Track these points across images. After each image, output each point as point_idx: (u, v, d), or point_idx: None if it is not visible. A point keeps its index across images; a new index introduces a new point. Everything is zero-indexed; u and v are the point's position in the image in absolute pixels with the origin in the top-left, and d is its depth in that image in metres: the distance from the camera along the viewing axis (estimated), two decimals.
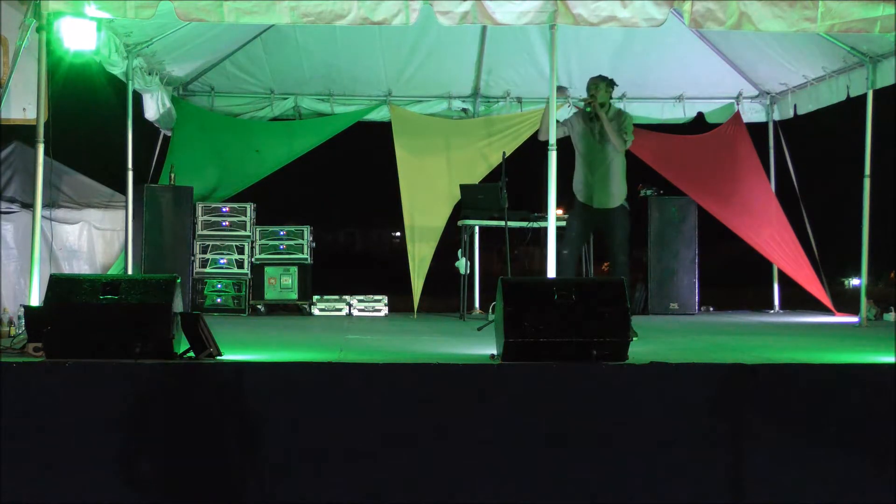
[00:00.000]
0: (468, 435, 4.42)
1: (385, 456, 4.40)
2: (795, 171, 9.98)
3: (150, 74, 8.51)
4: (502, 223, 8.01)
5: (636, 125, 10.13)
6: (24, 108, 6.58)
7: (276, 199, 11.05)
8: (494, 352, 5.07)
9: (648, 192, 9.88)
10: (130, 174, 8.20)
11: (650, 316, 9.48)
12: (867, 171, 7.94)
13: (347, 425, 4.41)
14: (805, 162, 10.42)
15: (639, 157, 9.88)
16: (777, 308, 10.34)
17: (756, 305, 10.68)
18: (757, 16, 6.15)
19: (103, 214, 9.04)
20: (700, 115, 10.32)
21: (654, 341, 6.08)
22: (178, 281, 4.85)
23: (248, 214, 9.26)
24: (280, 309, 9.57)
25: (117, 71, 7.77)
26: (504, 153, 8.35)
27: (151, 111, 8.94)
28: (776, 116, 10.21)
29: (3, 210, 8.13)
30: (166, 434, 4.39)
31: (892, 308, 8.96)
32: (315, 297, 9.48)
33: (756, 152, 10.02)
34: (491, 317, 7.76)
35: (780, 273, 10.04)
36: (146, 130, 9.32)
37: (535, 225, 8.77)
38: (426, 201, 9.59)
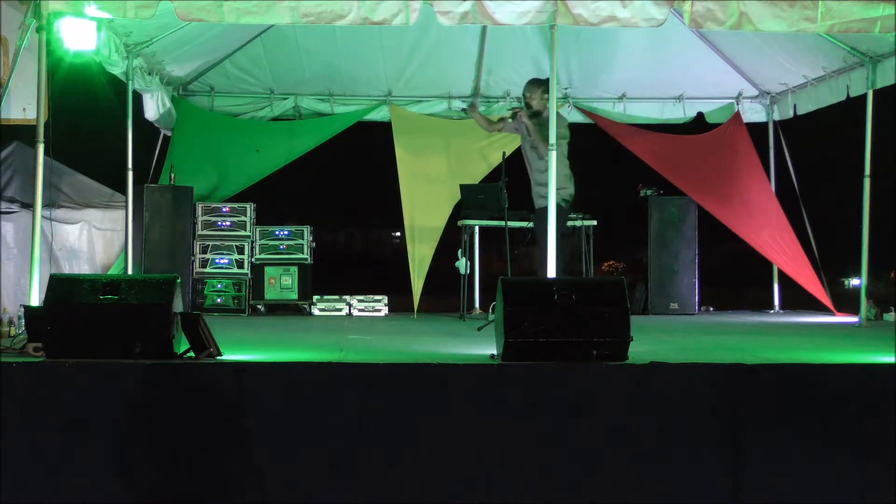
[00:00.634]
0: (468, 435, 4.42)
1: (385, 456, 4.39)
2: (795, 171, 9.98)
3: (150, 74, 8.52)
4: (502, 223, 8.01)
5: (636, 125, 10.21)
6: (24, 108, 6.58)
7: (276, 199, 11.03)
8: (494, 352, 5.07)
9: (648, 192, 9.88)
10: (130, 174, 8.20)
11: (650, 316, 9.48)
12: (867, 171, 7.94)
13: (347, 425, 4.41)
14: (805, 162, 10.42)
15: (639, 157, 9.90)
16: (777, 308, 10.34)
17: (756, 305, 10.68)
18: (757, 16, 6.15)
19: (103, 214, 9.04)
20: (700, 115, 10.32)
21: (654, 341, 6.08)
22: (178, 281, 4.85)
23: (248, 214, 9.26)
24: (280, 309, 9.56)
25: (117, 71, 7.78)
26: (504, 153, 8.35)
27: (151, 111, 8.94)
28: (776, 116, 10.21)
29: (3, 210, 8.13)
30: (166, 434, 4.38)
31: (892, 308, 8.96)
32: (315, 297, 9.48)
33: (756, 152, 10.02)
34: (491, 317, 7.76)
35: (780, 273, 10.04)
36: (146, 130, 9.32)
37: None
38: (426, 201, 9.59)
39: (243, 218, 9.26)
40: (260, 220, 9.39)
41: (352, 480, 4.38)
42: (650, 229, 9.83)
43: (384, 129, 10.03)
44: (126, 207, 8.24)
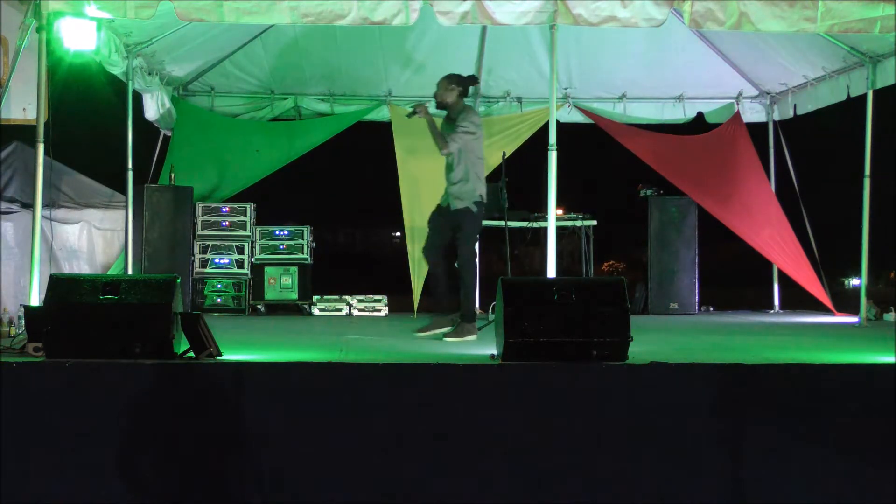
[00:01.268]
0: (468, 435, 4.42)
1: (385, 456, 4.40)
2: (795, 171, 9.98)
3: (150, 74, 8.52)
4: (502, 223, 8.01)
5: (636, 125, 10.21)
6: (24, 108, 6.59)
7: (276, 199, 11.03)
8: (494, 352, 5.07)
9: (648, 192, 9.88)
10: (130, 174, 8.21)
11: (650, 316, 9.48)
12: (867, 171, 7.95)
13: (347, 426, 4.41)
14: (805, 162, 10.42)
15: (639, 157, 9.90)
16: (777, 308, 10.35)
17: (756, 305, 10.68)
18: (757, 16, 6.15)
19: (103, 214, 9.04)
20: (700, 115, 10.32)
21: (654, 341, 6.08)
22: (178, 281, 4.85)
23: (248, 214, 9.27)
24: (280, 309, 9.56)
25: (117, 71, 7.78)
26: (504, 153, 8.35)
27: (151, 111, 8.94)
28: (776, 116, 10.22)
29: (3, 210, 8.13)
30: (166, 434, 4.39)
31: (892, 308, 8.96)
32: (315, 297, 9.48)
33: (756, 152, 10.02)
34: (491, 317, 7.76)
35: (780, 273, 10.05)
36: (146, 130, 9.33)
37: (535, 225, 8.79)
38: (426, 201, 9.55)
39: (243, 218, 9.26)
40: (260, 220, 9.39)
41: (352, 480, 4.38)
42: (650, 229, 9.84)
43: (384, 129, 10.03)
44: (126, 207, 8.24)
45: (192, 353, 4.80)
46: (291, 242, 9.36)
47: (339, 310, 9.45)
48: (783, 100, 9.98)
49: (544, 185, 6.39)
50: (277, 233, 9.36)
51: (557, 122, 6.53)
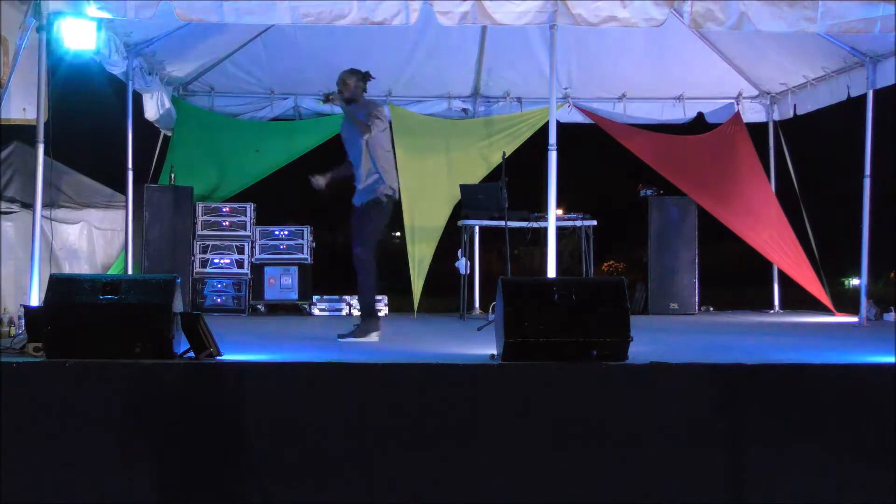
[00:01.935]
0: (468, 435, 4.42)
1: (385, 456, 4.40)
2: (795, 171, 9.98)
3: (150, 74, 8.52)
4: (502, 223, 8.01)
5: (636, 125, 10.21)
6: (24, 108, 6.58)
7: (276, 199, 11.04)
8: (494, 352, 5.07)
9: (648, 192, 9.89)
10: (130, 174, 8.21)
11: (650, 316, 9.48)
12: (867, 171, 7.95)
13: (347, 426, 4.41)
14: (805, 162, 10.42)
15: (639, 157, 9.90)
16: (777, 308, 10.35)
17: (756, 305, 10.68)
18: (757, 16, 6.16)
19: (103, 214, 9.04)
20: (700, 115, 10.32)
21: (654, 341, 6.08)
22: (178, 281, 4.84)
23: (248, 214, 9.27)
24: (280, 309, 9.57)
25: (117, 71, 7.78)
26: (504, 153, 8.35)
27: (151, 111, 8.95)
28: (776, 116, 10.22)
29: (3, 210, 8.12)
30: (166, 434, 4.38)
31: (892, 308, 8.96)
32: (315, 297, 9.48)
33: (756, 152, 10.02)
34: (491, 317, 7.76)
35: (780, 273, 10.05)
36: (146, 130, 9.32)
37: (535, 225, 8.78)
38: (426, 201, 9.59)
39: (243, 218, 9.26)
40: (260, 220, 9.39)
41: (352, 480, 4.37)
42: (650, 229, 9.84)
43: None
44: (126, 207, 8.24)
45: (192, 353, 4.81)
46: (291, 242, 9.36)
47: (339, 310, 9.45)
48: (783, 100, 9.98)
49: (544, 185, 6.39)
50: (277, 233, 9.36)
51: (557, 122, 6.53)
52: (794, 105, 9.72)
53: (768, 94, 10.16)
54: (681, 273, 9.76)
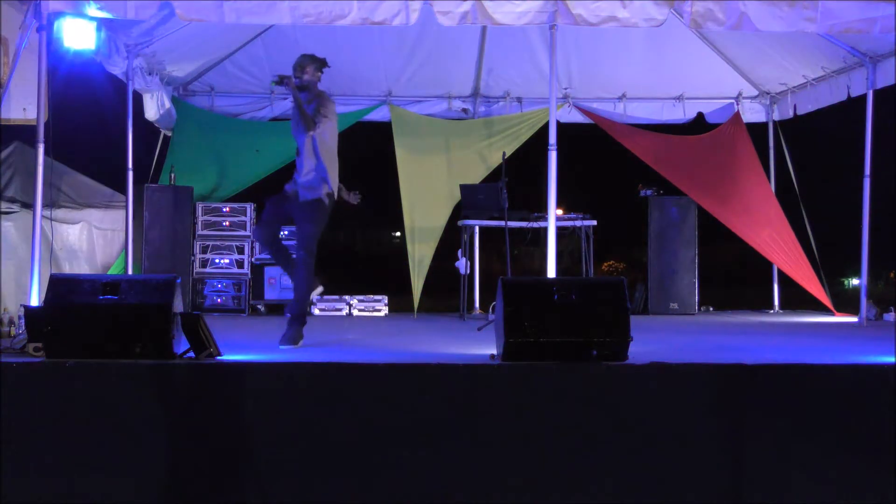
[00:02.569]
0: (468, 435, 4.42)
1: (385, 456, 4.40)
2: (795, 171, 9.98)
3: (150, 74, 8.52)
4: (502, 223, 8.01)
5: (636, 125, 10.21)
6: (24, 108, 6.58)
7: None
8: (494, 352, 5.07)
9: (648, 192, 9.89)
10: (130, 174, 8.21)
11: (650, 316, 9.48)
12: (867, 171, 7.95)
13: (347, 425, 4.41)
14: (805, 162, 10.43)
15: (639, 158, 9.90)
16: (777, 308, 10.35)
17: (756, 305, 10.69)
18: (757, 16, 6.15)
19: (103, 214, 9.04)
20: (700, 115, 10.33)
21: (654, 341, 6.08)
22: (178, 281, 4.85)
23: (248, 214, 9.27)
24: (280, 309, 9.56)
25: (117, 71, 7.78)
26: (504, 153, 8.36)
27: (151, 111, 8.95)
28: (776, 116, 10.23)
29: (3, 210, 8.12)
30: (166, 434, 4.38)
31: (892, 308, 8.96)
32: (315, 297, 9.46)
33: (756, 152, 10.02)
34: (491, 317, 7.76)
35: (780, 273, 10.05)
36: (146, 130, 9.33)
37: (535, 225, 8.78)
38: (426, 201, 9.59)
39: (243, 218, 9.27)
40: (260, 219, 9.38)
41: (352, 480, 4.38)
42: (650, 229, 9.84)
43: (384, 129, 10.04)
44: (126, 207, 8.24)
45: (192, 353, 4.81)
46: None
47: (339, 310, 9.45)
48: (783, 100, 9.98)
49: (544, 185, 6.39)
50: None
51: (557, 122, 6.53)
52: (794, 105, 9.72)
53: (768, 94, 10.16)
54: (681, 273, 9.76)
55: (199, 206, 9.22)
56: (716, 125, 10.24)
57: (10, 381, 4.36)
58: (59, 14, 6.24)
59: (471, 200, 8.91)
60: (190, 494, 4.36)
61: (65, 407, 4.37)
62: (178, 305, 4.82)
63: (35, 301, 5.70)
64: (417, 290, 9.36)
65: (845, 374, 4.65)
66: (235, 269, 9.21)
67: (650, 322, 8.43)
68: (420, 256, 9.46)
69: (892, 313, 8.91)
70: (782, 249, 9.68)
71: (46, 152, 6.08)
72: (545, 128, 7.07)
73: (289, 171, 10.00)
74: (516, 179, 8.12)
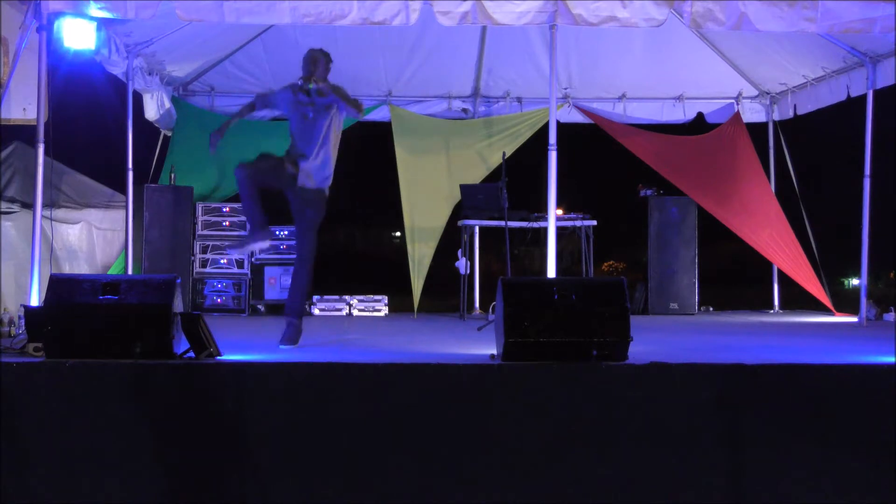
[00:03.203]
0: (468, 435, 4.42)
1: (385, 456, 4.40)
2: (795, 171, 9.98)
3: (150, 74, 8.52)
4: (502, 223, 8.01)
5: (637, 126, 10.22)
6: (24, 108, 6.58)
7: (276, 199, 11.02)
8: (494, 352, 5.07)
9: (648, 192, 9.89)
10: (130, 174, 8.21)
11: (650, 316, 9.48)
12: (867, 171, 7.95)
13: (347, 426, 4.41)
14: (805, 162, 10.43)
15: (639, 158, 9.90)
16: (777, 308, 10.35)
17: (756, 305, 10.69)
18: (757, 16, 6.15)
19: (103, 214, 9.04)
20: (700, 115, 10.33)
21: (654, 341, 6.08)
22: (178, 281, 4.85)
23: None
24: (280, 309, 9.54)
25: (117, 71, 7.78)
26: (504, 153, 8.36)
27: (151, 111, 8.95)
28: (776, 116, 10.22)
29: (3, 210, 8.12)
30: (166, 434, 4.38)
31: (892, 308, 8.96)
32: (315, 297, 9.48)
33: (756, 152, 10.02)
34: (491, 317, 7.76)
35: (780, 273, 10.05)
36: (146, 130, 9.33)
37: (535, 225, 8.78)
38: (426, 201, 9.59)
39: (243, 218, 9.26)
40: None
41: (352, 480, 4.38)
42: (650, 229, 9.85)
43: (384, 129, 10.03)
44: (126, 207, 8.24)
45: (192, 353, 4.81)
46: (291, 242, 9.35)
47: (339, 310, 9.45)
48: (783, 100, 9.98)
49: (544, 185, 6.39)
50: (277, 232, 9.35)
51: (557, 122, 6.53)
52: (794, 105, 9.72)
53: (768, 94, 10.16)
54: (681, 273, 9.76)
55: (199, 206, 9.22)
56: (716, 125, 10.23)
57: (10, 381, 4.36)
58: (59, 14, 6.24)
59: (471, 200, 8.91)
60: (190, 494, 4.36)
61: (65, 407, 4.37)
62: (178, 305, 4.82)
63: (35, 301, 5.70)
64: (417, 290, 9.36)
65: (845, 374, 4.65)
66: (235, 269, 9.21)
67: (650, 322, 8.43)
68: (420, 256, 9.46)
69: (892, 313, 8.91)
70: (782, 249, 9.68)
71: (46, 152, 6.08)
72: (545, 128, 7.07)
73: None
74: (516, 179, 8.12)
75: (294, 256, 9.23)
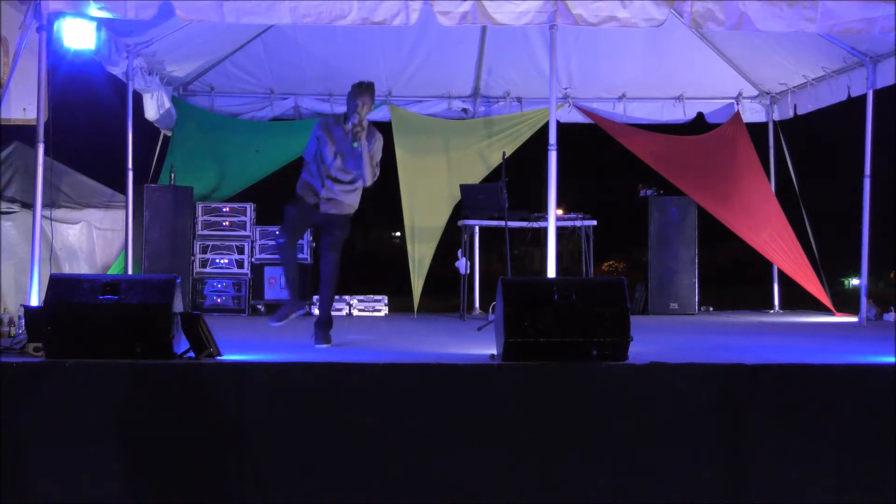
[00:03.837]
0: (468, 435, 4.42)
1: (385, 456, 4.40)
2: (795, 171, 9.98)
3: (150, 74, 8.52)
4: (502, 223, 8.01)
5: (637, 126, 10.22)
6: (24, 108, 6.58)
7: (276, 199, 11.02)
8: (494, 352, 5.07)
9: (648, 192, 9.89)
10: (130, 174, 8.21)
11: (650, 316, 9.48)
12: (867, 171, 7.95)
13: (347, 425, 4.41)
14: (805, 162, 10.43)
15: (639, 158, 9.90)
16: (777, 308, 10.35)
17: (756, 305, 10.69)
18: (757, 16, 6.15)
19: (103, 214, 9.04)
20: (700, 115, 10.33)
21: (654, 341, 6.08)
22: (178, 281, 4.85)
23: (248, 214, 9.27)
24: (279, 309, 9.54)
25: (117, 71, 7.78)
26: (504, 153, 8.36)
27: (151, 111, 8.95)
28: (776, 116, 10.22)
29: (3, 210, 8.12)
30: (166, 434, 4.38)
31: (892, 308, 8.96)
32: (315, 297, 9.46)
33: (756, 152, 10.02)
34: (491, 317, 7.76)
35: (780, 273, 10.06)
36: (146, 130, 9.33)
37: (535, 225, 8.79)
38: (426, 201, 9.59)
39: (243, 218, 9.27)
40: (260, 220, 9.39)
41: (352, 480, 4.38)
42: (650, 229, 9.85)
43: (384, 129, 10.02)
44: (126, 207, 8.24)
45: (192, 353, 4.81)
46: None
47: (339, 310, 9.45)
48: (783, 100, 9.98)
49: (544, 185, 6.39)
50: (278, 233, 9.35)
51: (557, 122, 6.53)
52: (794, 105, 9.72)
53: (768, 94, 10.16)
54: (681, 273, 9.76)
55: (199, 206, 9.22)
56: (716, 125, 10.24)
57: (10, 381, 4.36)
58: (59, 14, 6.25)
59: (471, 200, 8.91)
60: (189, 494, 4.36)
61: (65, 407, 4.37)
62: (178, 305, 4.82)
63: (35, 301, 5.70)
64: (417, 290, 9.36)
65: (845, 374, 4.65)
66: (235, 269, 9.21)
67: (650, 322, 8.43)
68: (420, 256, 9.46)
69: (892, 313, 8.91)
70: (782, 249, 9.68)
71: (46, 152, 6.08)
72: (545, 128, 7.07)
73: (289, 170, 10.07)
74: (516, 179, 8.12)
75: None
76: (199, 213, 9.20)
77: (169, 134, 9.68)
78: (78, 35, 6.50)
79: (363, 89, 5.88)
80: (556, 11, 6.08)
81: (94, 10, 6.05)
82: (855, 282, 13.80)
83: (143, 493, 4.33)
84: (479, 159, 9.84)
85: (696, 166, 9.88)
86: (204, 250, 9.21)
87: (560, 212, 8.41)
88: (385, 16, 6.02)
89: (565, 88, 9.92)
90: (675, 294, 9.74)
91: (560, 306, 4.71)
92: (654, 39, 8.81)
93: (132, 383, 4.40)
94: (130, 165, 8.22)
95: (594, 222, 9.00)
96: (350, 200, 6.17)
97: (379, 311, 9.46)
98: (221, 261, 9.22)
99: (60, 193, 8.70)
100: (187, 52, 8.76)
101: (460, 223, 9.12)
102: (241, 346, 5.49)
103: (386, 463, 4.39)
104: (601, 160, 14.56)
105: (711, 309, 10.44)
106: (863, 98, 8.15)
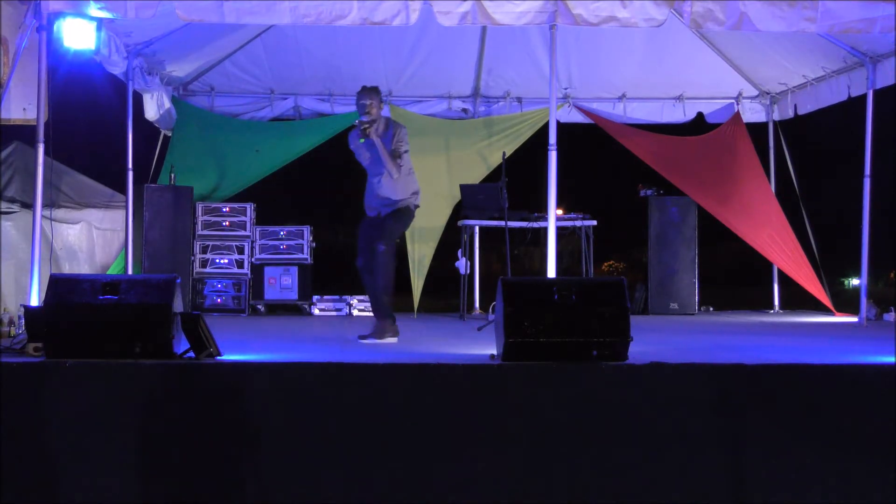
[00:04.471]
0: (468, 435, 4.42)
1: (385, 456, 4.40)
2: (795, 171, 9.98)
3: (150, 74, 8.52)
4: (502, 223, 8.01)
5: (637, 126, 10.22)
6: (24, 108, 6.58)
7: (276, 199, 11.03)
8: (494, 352, 5.07)
9: (648, 192, 9.89)
10: (130, 174, 8.21)
11: (650, 316, 9.48)
12: (867, 171, 7.95)
13: (347, 426, 4.41)
14: (805, 162, 10.43)
15: (639, 158, 9.90)
16: (777, 308, 10.35)
17: (756, 305, 10.69)
18: (757, 16, 6.15)
19: (103, 214, 9.04)
20: (700, 116, 10.33)
21: (654, 341, 6.08)
22: (178, 281, 4.84)
23: (248, 214, 9.27)
24: (280, 309, 9.56)
25: (117, 71, 7.78)
26: (504, 153, 8.36)
27: (151, 111, 8.95)
28: (776, 116, 10.23)
29: (3, 210, 8.12)
30: (166, 434, 4.38)
31: (892, 308, 8.97)
32: (315, 297, 9.48)
33: (756, 152, 10.02)
34: (491, 317, 7.76)
35: (780, 273, 10.06)
36: (146, 130, 9.33)
37: (535, 225, 8.79)
38: (426, 201, 9.54)
39: (243, 218, 9.27)
40: (260, 220, 9.39)
41: (352, 480, 4.37)
42: (650, 229, 9.85)
43: None
44: (126, 207, 8.24)
45: (192, 353, 4.81)
46: (291, 242, 9.36)
47: (339, 310, 9.46)
48: (783, 100, 9.98)
49: (544, 185, 6.39)
50: (278, 233, 9.36)
51: (557, 122, 6.53)
52: (795, 105, 9.72)
53: (768, 94, 10.17)
54: (681, 273, 9.76)
55: (199, 206, 9.22)
56: (716, 125, 10.24)
57: (10, 381, 4.36)
58: (59, 14, 6.24)
59: (471, 200, 8.91)
60: (190, 494, 4.36)
61: (65, 407, 4.37)
62: (178, 305, 4.81)
63: (35, 301, 5.70)
64: (417, 290, 9.36)
65: (845, 374, 4.65)
66: (235, 269, 9.21)
67: (650, 322, 8.43)
68: (420, 256, 9.46)
69: (892, 313, 8.91)
70: (782, 249, 9.68)
71: (46, 152, 6.08)
72: (545, 127, 7.07)
73: (288, 170, 10.08)
74: (516, 179, 8.12)
75: (292, 256, 9.30)
76: (199, 213, 9.21)
77: (169, 134, 9.68)
78: (78, 35, 6.50)
79: (368, 91, 6.23)
80: (556, 11, 6.09)
81: (94, 10, 6.05)
82: (855, 282, 13.80)
83: (142, 492, 4.33)
84: (479, 159, 9.84)
85: (696, 166, 9.89)
86: (204, 250, 9.21)
87: (560, 212, 8.41)
88: (385, 16, 6.02)
89: (565, 88, 9.92)
90: (675, 294, 9.74)
91: (560, 306, 4.71)
92: (654, 39, 8.82)
93: (132, 383, 4.40)
94: (130, 165, 8.22)
95: (594, 222, 9.00)
96: (387, 193, 6.42)
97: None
98: (221, 261, 9.22)
99: (60, 193, 8.70)
100: (187, 52, 8.76)
101: (460, 223, 9.12)
102: (241, 346, 5.49)
103: (386, 463, 4.39)
104: (601, 160, 14.57)
105: (711, 309, 10.44)
106: (863, 98, 8.15)
